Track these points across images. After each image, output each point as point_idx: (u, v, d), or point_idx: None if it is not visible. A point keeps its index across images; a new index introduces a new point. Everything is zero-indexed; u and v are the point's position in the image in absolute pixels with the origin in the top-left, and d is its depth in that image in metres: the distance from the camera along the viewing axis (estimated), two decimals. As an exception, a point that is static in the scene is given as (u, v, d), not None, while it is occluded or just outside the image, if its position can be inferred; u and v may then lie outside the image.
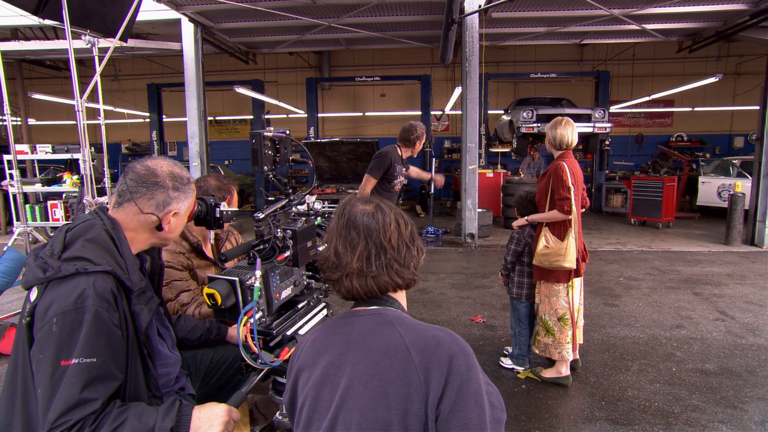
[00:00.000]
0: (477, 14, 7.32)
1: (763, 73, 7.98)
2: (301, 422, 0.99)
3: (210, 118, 15.73)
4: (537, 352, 3.24)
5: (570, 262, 2.98)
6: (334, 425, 0.92)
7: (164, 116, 14.23)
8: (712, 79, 9.85)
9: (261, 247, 1.54)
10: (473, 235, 8.05)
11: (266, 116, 14.13)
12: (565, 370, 3.19)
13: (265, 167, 1.68)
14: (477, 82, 7.49)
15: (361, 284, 1.03)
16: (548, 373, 3.24)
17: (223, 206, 1.66)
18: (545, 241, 3.07)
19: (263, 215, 1.56)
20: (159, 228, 1.41)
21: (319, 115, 14.66)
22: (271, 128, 1.75)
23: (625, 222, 10.54)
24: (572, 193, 2.95)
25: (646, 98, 12.54)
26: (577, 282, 3.19)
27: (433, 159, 9.64)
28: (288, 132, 1.77)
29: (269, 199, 1.73)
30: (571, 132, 3.11)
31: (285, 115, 15.92)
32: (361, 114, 16.13)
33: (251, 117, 14.18)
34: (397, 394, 0.89)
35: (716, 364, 3.49)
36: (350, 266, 1.02)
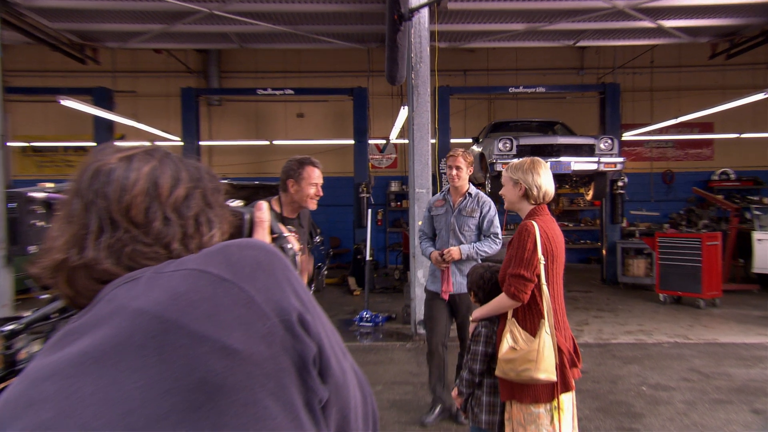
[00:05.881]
0: (427, 7, 7.59)
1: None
2: None
3: (21, 144, 15.19)
4: None
5: (545, 372, 2.93)
6: None
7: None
8: (761, 95, 10.14)
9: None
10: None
11: (119, 143, 13.79)
12: None
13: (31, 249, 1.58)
14: (428, 101, 7.57)
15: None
16: None
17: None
18: (511, 339, 3.03)
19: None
20: None
21: (204, 143, 14.34)
22: (46, 184, 1.64)
23: (651, 298, 10.81)
24: (532, 270, 2.96)
25: (673, 121, 13.05)
26: (567, 400, 3.14)
27: (369, 210, 9.67)
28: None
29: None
30: (551, 178, 3.19)
31: (149, 143, 15.59)
32: (268, 143, 16.12)
33: (95, 144, 13.79)
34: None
35: None
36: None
